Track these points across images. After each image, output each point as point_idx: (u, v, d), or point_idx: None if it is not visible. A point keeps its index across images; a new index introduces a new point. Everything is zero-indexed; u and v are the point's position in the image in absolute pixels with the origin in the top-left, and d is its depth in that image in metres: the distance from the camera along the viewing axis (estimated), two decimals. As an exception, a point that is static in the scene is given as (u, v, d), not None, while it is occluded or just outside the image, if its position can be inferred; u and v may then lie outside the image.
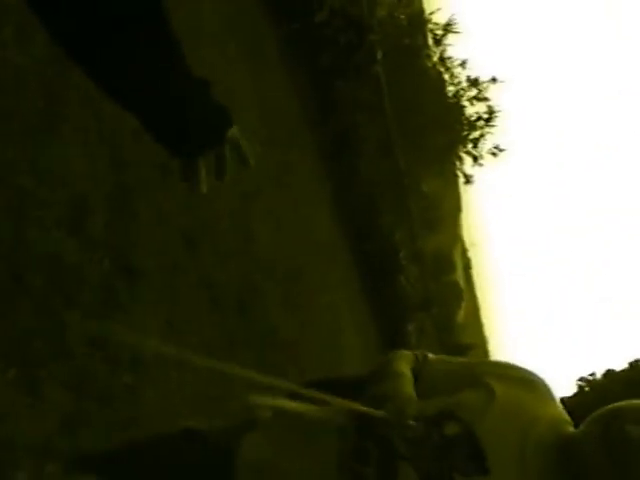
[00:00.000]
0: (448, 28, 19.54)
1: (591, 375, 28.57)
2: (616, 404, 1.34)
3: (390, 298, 13.07)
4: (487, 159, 20.84)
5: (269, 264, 5.56)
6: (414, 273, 16.73)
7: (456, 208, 22.67)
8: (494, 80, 21.43)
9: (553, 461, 1.37)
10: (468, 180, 22.38)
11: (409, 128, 17.94)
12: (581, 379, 28.49)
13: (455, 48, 20.31)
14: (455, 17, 19.79)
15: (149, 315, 3.23)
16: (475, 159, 20.85)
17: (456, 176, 22.86)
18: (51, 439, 2.18)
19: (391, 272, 12.83)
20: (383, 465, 1.40)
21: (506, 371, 1.55)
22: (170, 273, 3.63)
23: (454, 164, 21.75)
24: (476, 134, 20.80)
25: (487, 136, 21.21)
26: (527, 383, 1.52)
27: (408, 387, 1.53)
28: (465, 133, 20.52)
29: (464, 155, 21.12)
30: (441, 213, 24.56)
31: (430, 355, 1.70)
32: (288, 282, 6.00)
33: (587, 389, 28.33)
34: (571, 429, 1.43)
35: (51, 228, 2.54)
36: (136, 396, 2.83)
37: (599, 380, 28.26)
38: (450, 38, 19.83)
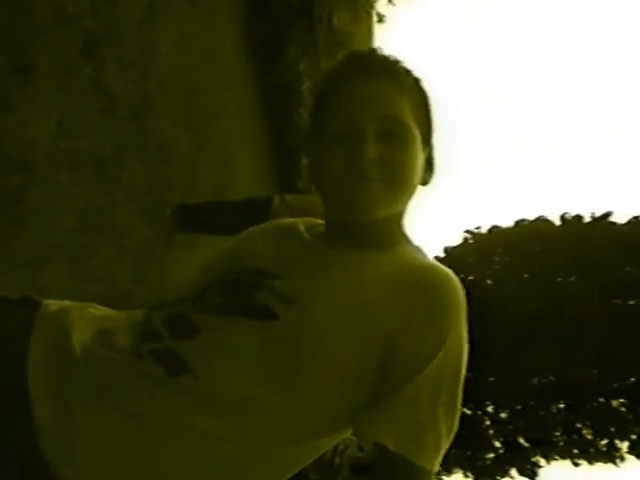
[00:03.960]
0: None
1: (477, 228, 24.29)
2: None
3: (288, 129, 12.33)
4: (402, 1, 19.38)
5: (167, 79, 5.45)
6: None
7: (366, 46, 21.02)
8: None
9: None
10: (381, 19, 20.96)
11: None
12: (467, 231, 24.18)
13: None
14: None
15: (40, 116, 3.25)
16: (390, -2, 20.13)
17: (369, 14, 21.06)
18: None
19: (292, 103, 12.12)
20: None
21: None
22: (65, 75, 3.61)
23: (368, 1, 19.92)
24: (395, -26, 19.72)
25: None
26: None
27: None
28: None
29: (379, -8, 20.22)
30: (350, 49, 21.85)
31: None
32: (185, 99, 5.92)
33: (471, 241, 23.70)
34: None
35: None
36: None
37: (484, 234, 23.85)
38: None
